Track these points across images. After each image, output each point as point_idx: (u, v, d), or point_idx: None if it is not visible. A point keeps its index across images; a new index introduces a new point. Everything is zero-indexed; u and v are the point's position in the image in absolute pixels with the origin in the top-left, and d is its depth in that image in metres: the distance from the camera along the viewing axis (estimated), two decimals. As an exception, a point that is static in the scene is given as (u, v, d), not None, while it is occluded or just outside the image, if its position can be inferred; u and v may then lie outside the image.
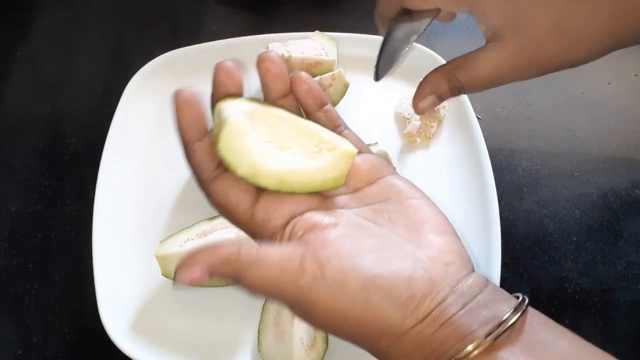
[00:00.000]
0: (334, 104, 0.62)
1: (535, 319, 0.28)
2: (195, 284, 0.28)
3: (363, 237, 0.30)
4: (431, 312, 0.27)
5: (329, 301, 0.27)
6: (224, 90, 0.32)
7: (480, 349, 0.26)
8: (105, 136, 0.58)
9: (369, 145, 0.56)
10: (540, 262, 0.55)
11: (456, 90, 0.37)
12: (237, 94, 0.32)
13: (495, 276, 0.51)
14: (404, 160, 0.60)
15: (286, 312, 0.48)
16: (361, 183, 0.33)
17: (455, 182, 0.58)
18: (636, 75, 0.70)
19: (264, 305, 0.50)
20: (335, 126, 0.35)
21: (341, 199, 0.32)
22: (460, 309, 0.27)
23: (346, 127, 0.35)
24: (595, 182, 0.61)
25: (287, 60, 0.62)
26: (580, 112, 0.66)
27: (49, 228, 0.57)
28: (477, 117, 0.61)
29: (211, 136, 0.31)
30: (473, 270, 0.30)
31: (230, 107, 0.30)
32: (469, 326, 0.26)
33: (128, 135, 0.60)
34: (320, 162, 0.31)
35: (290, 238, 0.30)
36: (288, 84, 0.33)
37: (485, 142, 0.59)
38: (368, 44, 0.67)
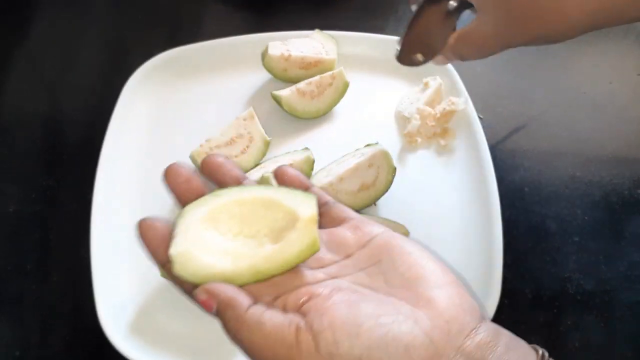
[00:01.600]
0: (335, 103, 0.62)
1: None
2: (204, 307, 0.30)
3: (359, 304, 0.28)
4: None
5: None
6: (185, 199, 0.33)
7: None
8: (103, 136, 0.58)
9: (369, 145, 0.56)
10: (542, 263, 0.55)
11: (459, 58, 0.44)
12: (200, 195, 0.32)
13: (497, 277, 0.50)
14: (404, 160, 0.60)
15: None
16: (351, 249, 0.32)
17: (457, 182, 0.58)
18: (638, 74, 0.69)
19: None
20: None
21: (334, 268, 0.31)
22: None
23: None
24: (597, 182, 0.60)
25: (287, 59, 0.62)
26: (582, 112, 0.66)
27: (48, 228, 0.56)
28: (478, 116, 0.61)
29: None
30: (483, 319, 0.28)
31: (181, 223, 0.31)
32: None
33: (127, 135, 0.60)
34: (288, 238, 0.30)
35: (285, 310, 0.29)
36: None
37: (487, 141, 0.58)
38: (368, 43, 0.67)
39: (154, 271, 0.52)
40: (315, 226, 0.30)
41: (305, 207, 0.31)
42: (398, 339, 0.26)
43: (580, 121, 0.65)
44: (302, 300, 0.29)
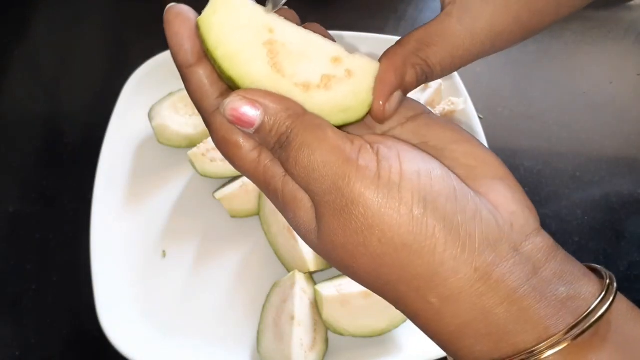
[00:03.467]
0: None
1: (623, 304, 0.22)
2: (241, 122, 0.23)
3: (428, 157, 0.24)
4: (493, 270, 0.22)
5: (374, 202, 0.22)
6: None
7: (558, 348, 0.20)
8: (103, 135, 0.58)
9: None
10: (541, 263, 0.55)
11: (423, 79, 0.27)
12: None
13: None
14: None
15: (286, 313, 0.48)
16: (391, 123, 0.27)
17: (456, 182, 0.58)
18: (638, 74, 0.69)
19: (264, 306, 0.49)
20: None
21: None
22: (531, 278, 0.22)
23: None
24: (597, 182, 0.60)
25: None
26: (582, 112, 0.66)
27: (47, 228, 0.56)
28: (478, 116, 0.61)
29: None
30: (540, 228, 0.24)
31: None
32: (545, 310, 0.21)
33: (126, 135, 0.60)
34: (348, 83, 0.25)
35: None
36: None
37: (487, 141, 0.58)
38: (368, 43, 0.67)
39: (153, 271, 0.52)
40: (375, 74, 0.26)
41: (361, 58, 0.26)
42: (465, 201, 0.22)
43: (580, 121, 0.65)
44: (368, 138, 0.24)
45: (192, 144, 0.58)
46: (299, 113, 0.24)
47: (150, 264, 0.53)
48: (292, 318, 0.47)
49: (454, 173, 0.24)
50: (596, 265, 0.24)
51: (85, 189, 0.55)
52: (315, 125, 0.23)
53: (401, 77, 0.26)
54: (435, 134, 0.26)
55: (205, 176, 0.56)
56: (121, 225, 0.55)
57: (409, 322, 0.47)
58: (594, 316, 0.21)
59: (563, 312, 0.21)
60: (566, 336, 0.20)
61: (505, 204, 0.24)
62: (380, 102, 0.26)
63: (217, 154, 0.56)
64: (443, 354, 0.43)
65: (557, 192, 0.59)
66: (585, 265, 0.24)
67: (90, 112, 0.64)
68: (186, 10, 0.24)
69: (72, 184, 0.59)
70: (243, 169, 0.25)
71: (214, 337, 0.50)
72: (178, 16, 0.24)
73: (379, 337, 0.48)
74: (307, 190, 0.24)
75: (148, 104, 0.60)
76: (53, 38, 0.72)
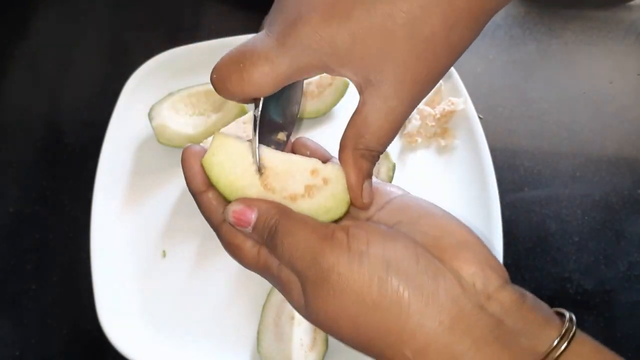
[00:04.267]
0: (334, 103, 0.62)
1: (586, 347, 0.24)
2: (241, 222, 0.29)
3: (392, 232, 0.28)
4: (458, 323, 0.24)
5: (346, 269, 0.25)
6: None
7: None
8: (103, 136, 0.58)
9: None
10: (541, 263, 0.55)
11: (376, 158, 0.31)
12: None
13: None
14: (404, 160, 0.60)
15: (286, 313, 0.48)
16: (371, 211, 0.32)
17: (456, 182, 0.58)
18: (638, 74, 0.69)
19: (264, 306, 0.49)
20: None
21: None
22: (494, 329, 0.24)
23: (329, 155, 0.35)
24: (597, 182, 0.60)
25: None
26: (582, 112, 0.66)
27: (47, 228, 0.56)
28: (478, 116, 0.61)
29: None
30: (507, 282, 0.27)
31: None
32: (508, 358, 0.23)
33: (126, 135, 0.60)
34: (322, 194, 0.31)
35: None
36: None
37: (487, 141, 0.58)
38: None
39: (153, 271, 0.52)
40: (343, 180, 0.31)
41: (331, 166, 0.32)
42: (429, 263, 0.26)
43: (580, 121, 0.65)
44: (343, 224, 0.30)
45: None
46: (285, 210, 0.29)
47: (150, 264, 0.53)
48: (292, 318, 0.47)
49: (424, 244, 0.28)
50: (562, 310, 0.26)
51: (85, 189, 0.55)
52: (298, 217, 0.29)
53: (359, 171, 0.30)
54: (407, 213, 0.30)
55: (205, 176, 0.56)
56: (121, 225, 0.55)
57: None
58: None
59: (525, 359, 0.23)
60: None
61: (466, 267, 0.27)
62: (360, 197, 0.31)
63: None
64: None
65: (557, 192, 0.59)
66: (554, 310, 0.27)
67: (90, 112, 0.64)
68: (198, 150, 0.31)
69: (72, 184, 0.59)
70: (247, 263, 0.31)
71: (213, 337, 0.50)
72: (192, 155, 0.31)
73: (379, 337, 0.48)
74: (293, 271, 0.28)
75: (148, 104, 0.60)
76: (53, 38, 0.72)
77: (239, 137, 0.32)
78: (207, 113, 0.61)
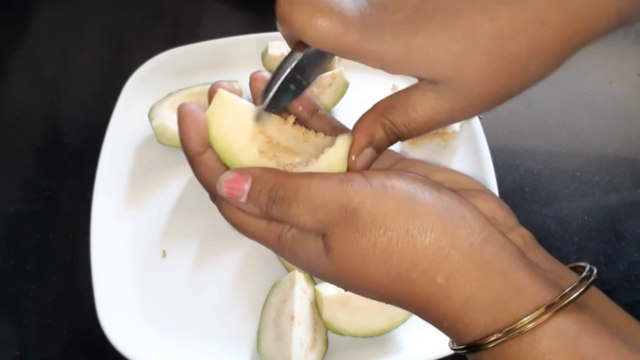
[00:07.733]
0: (334, 103, 0.62)
1: (601, 295, 0.26)
2: (234, 191, 0.27)
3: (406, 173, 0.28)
4: (487, 246, 0.25)
5: (374, 204, 0.25)
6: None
7: (540, 320, 0.23)
8: (103, 136, 0.58)
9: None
10: (541, 263, 0.55)
11: (394, 137, 0.29)
12: None
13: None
14: (404, 160, 0.60)
15: (286, 313, 0.48)
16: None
17: (456, 182, 0.58)
18: (638, 74, 0.69)
19: (264, 306, 0.49)
20: (334, 128, 0.32)
21: None
22: (522, 257, 0.25)
23: (346, 128, 0.33)
24: (597, 182, 0.60)
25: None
26: (582, 112, 0.66)
27: (47, 228, 0.56)
28: (478, 116, 0.61)
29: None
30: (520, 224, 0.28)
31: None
32: (538, 285, 0.24)
33: (126, 135, 0.60)
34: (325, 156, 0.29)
35: None
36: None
37: (487, 141, 0.58)
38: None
39: (154, 271, 0.52)
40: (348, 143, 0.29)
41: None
42: (451, 192, 0.27)
43: (581, 121, 0.65)
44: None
45: None
46: (282, 172, 0.27)
47: (150, 264, 0.53)
48: (292, 318, 0.47)
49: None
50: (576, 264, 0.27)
51: (85, 189, 0.55)
52: (299, 173, 0.27)
53: (370, 136, 0.29)
54: (415, 170, 0.29)
55: (205, 176, 0.56)
56: (121, 225, 0.55)
57: (409, 322, 0.48)
58: (573, 294, 0.24)
59: (552, 288, 0.24)
60: (562, 301, 0.23)
61: (485, 204, 0.27)
62: (353, 157, 0.29)
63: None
64: (442, 353, 0.43)
65: (557, 192, 0.59)
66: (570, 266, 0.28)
67: (90, 112, 0.64)
68: (194, 108, 0.29)
69: (72, 184, 0.59)
70: (256, 239, 0.29)
71: (214, 336, 0.50)
72: (189, 114, 0.29)
73: (379, 337, 0.48)
74: (314, 222, 0.26)
75: (148, 104, 0.60)
76: (53, 38, 0.71)
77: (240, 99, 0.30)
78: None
